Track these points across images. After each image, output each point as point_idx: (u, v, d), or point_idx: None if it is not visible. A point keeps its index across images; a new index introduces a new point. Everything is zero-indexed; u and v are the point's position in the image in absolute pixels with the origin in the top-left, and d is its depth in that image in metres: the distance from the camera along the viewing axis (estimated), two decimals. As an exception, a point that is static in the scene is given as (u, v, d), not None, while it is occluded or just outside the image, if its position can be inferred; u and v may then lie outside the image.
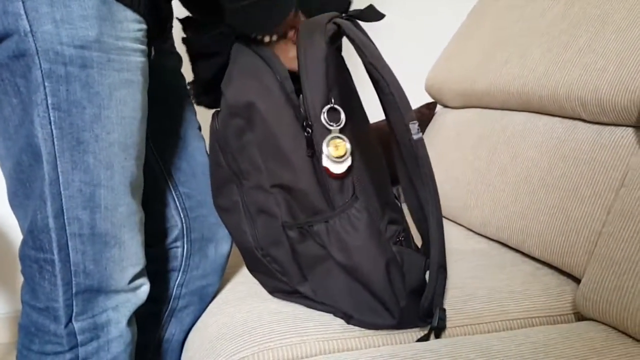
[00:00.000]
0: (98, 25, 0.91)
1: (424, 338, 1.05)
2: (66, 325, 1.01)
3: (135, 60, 0.97)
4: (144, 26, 0.98)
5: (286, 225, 1.09)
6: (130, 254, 1.03)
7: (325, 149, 1.00)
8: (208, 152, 1.20)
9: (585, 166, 1.25)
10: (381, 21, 2.24)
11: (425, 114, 2.14)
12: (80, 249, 0.98)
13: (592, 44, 1.30)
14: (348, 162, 1.01)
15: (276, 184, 1.08)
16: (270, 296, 1.20)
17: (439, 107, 2.13)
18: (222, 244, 1.26)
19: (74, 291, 1.00)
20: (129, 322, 1.07)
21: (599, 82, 1.23)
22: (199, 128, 1.25)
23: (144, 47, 0.99)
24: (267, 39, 1.09)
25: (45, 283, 1.00)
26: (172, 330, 1.24)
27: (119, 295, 1.04)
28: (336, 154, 1.00)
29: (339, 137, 1.00)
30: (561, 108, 1.37)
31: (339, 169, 1.01)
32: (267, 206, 1.10)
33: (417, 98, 2.29)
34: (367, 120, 1.15)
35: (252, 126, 1.07)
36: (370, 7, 1.06)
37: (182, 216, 1.21)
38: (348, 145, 1.00)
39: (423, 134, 2.09)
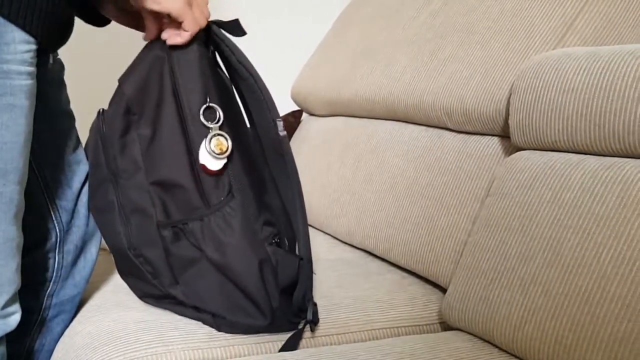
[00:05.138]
0: None
1: (291, 342, 1.06)
2: None
3: (19, 84, 0.93)
4: (34, 46, 0.94)
5: (160, 225, 1.08)
6: (3, 280, 0.99)
7: (207, 146, 1.02)
8: (87, 155, 1.18)
9: (450, 175, 1.26)
10: (246, 30, 2.22)
11: (291, 122, 2.14)
12: None
13: (457, 53, 1.32)
14: (225, 160, 1.04)
15: (155, 181, 1.08)
16: (137, 305, 1.17)
17: (304, 115, 2.13)
18: (91, 251, 1.23)
19: None
20: None
21: (465, 91, 1.24)
22: (78, 138, 1.21)
23: (32, 69, 0.94)
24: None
25: None
26: (42, 341, 1.21)
27: None
28: (219, 151, 1.03)
29: (220, 135, 1.04)
30: (427, 117, 1.37)
31: (217, 165, 1.04)
32: (142, 205, 1.10)
33: (282, 106, 2.26)
34: (245, 124, 1.17)
35: (140, 122, 1.08)
36: (236, 21, 1.10)
37: (57, 229, 1.17)
38: (230, 143, 1.04)
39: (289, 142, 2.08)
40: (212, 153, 1.02)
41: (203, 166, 1.03)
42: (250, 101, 1.11)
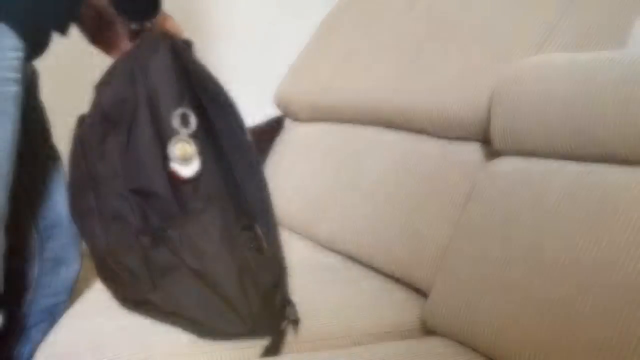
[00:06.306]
0: None
1: (273, 344, 1.05)
2: None
3: (8, 90, 0.93)
4: (21, 54, 0.93)
5: (139, 232, 1.08)
6: None
7: (172, 151, 1.04)
8: (68, 161, 1.18)
9: (432, 181, 1.26)
10: (231, 36, 2.22)
11: (274, 128, 2.13)
12: None
13: (439, 59, 1.32)
14: (196, 167, 1.05)
15: (133, 188, 1.08)
16: (119, 311, 1.16)
17: (287, 121, 2.12)
18: (73, 263, 1.23)
19: None
20: None
21: (446, 97, 1.25)
22: (54, 147, 1.22)
23: (19, 75, 0.94)
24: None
25: None
26: (22, 349, 1.20)
27: None
28: (181, 156, 1.04)
29: (184, 141, 1.05)
30: (408, 122, 1.38)
31: (187, 172, 1.05)
32: (122, 212, 1.10)
33: (265, 111, 2.26)
34: (232, 130, 1.15)
35: (117, 130, 1.09)
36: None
37: (36, 237, 1.17)
38: (193, 149, 1.05)
39: (271, 147, 2.08)
40: (175, 158, 1.04)
41: (173, 173, 1.04)
42: (214, 110, 1.11)
